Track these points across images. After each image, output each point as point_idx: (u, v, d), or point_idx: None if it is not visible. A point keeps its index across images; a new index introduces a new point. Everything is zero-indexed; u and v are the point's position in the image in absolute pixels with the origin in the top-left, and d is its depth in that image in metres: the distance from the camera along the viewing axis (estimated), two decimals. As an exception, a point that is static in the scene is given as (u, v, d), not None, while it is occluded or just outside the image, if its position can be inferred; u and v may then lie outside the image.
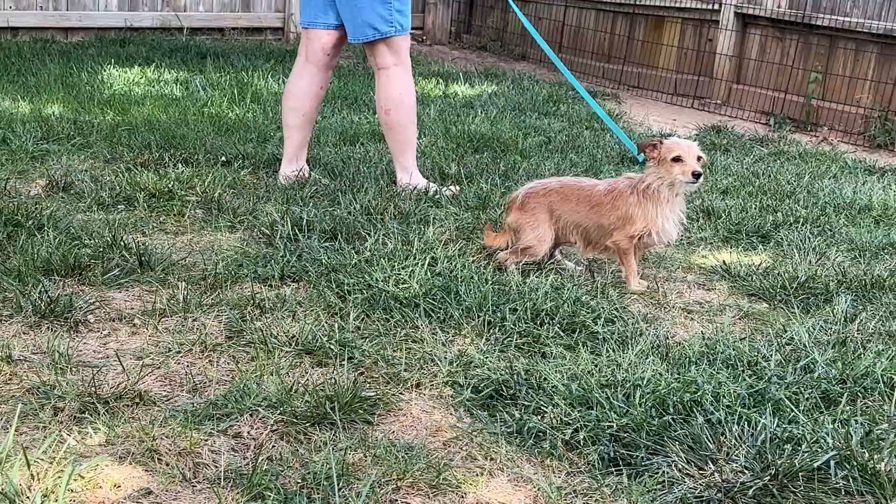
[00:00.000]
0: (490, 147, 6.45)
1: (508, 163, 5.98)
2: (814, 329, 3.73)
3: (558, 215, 4.25)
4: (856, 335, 3.66)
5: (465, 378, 3.19)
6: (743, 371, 3.27)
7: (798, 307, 4.03)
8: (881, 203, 5.62)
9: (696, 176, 4.06)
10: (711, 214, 5.23)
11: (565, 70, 5.03)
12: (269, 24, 11.33)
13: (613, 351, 3.39)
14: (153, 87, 7.84)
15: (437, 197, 5.12)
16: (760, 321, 3.90)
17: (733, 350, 3.41)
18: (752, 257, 4.66)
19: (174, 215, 4.71)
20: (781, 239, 4.88)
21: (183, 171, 5.28)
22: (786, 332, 3.69)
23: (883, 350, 3.49)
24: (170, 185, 5.00)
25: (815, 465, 2.71)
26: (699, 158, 4.13)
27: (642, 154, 4.20)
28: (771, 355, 3.40)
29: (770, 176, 6.24)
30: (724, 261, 4.51)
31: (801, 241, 4.84)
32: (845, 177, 6.47)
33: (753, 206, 5.37)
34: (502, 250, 4.29)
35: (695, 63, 9.71)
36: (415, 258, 4.04)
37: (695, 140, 7.32)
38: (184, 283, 3.82)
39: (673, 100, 9.56)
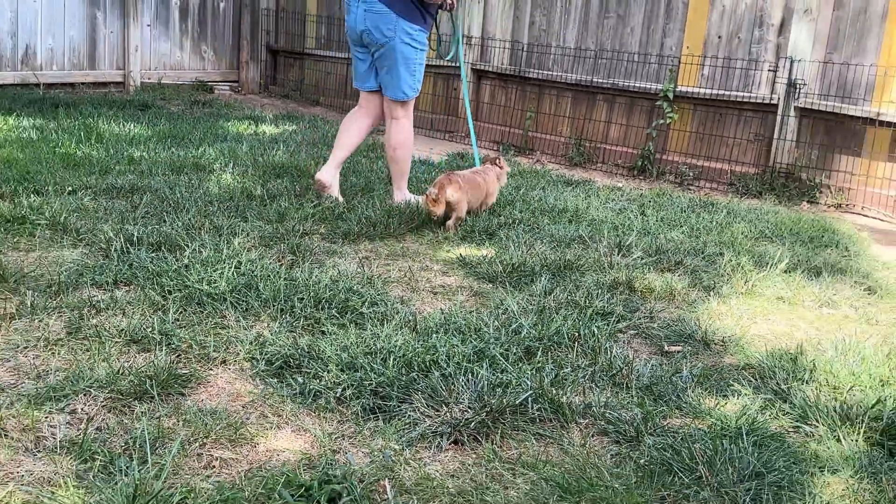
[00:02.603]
0: (289, 173, 6.36)
1: (303, 185, 5.91)
2: (522, 301, 3.87)
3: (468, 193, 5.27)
4: (551, 304, 3.82)
5: (261, 354, 3.13)
6: (470, 336, 3.35)
7: (512, 286, 4.18)
8: (573, 207, 5.89)
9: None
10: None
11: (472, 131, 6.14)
12: (111, 79, 10.74)
13: (375, 327, 3.41)
14: (13, 132, 7.29)
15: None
16: (485, 298, 4.02)
17: (464, 321, 3.50)
18: (482, 250, 4.79)
19: (26, 236, 4.40)
20: (503, 236, 5.03)
21: (34, 200, 4.94)
22: (502, 304, 3.82)
23: (569, 314, 3.66)
24: (23, 212, 4.67)
25: (518, 401, 2.82)
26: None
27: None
28: (491, 323, 3.51)
29: (502, 191, 6.43)
30: (461, 254, 4.62)
31: (516, 236, 5.01)
32: (550, 188, 6.75)
33: (484, 213, 5.51)
34: (447, 218, 5.15)
35: (444, 105, 9.89)
36: (224, 262, 3.94)
37: (444, 162, 7.59)
38: (31, 290, 3.58)
39: (430, 133, 9.70)
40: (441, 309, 3.74)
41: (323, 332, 3.38)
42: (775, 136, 7.30)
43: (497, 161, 5.70)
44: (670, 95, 7.82)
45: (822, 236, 5.54)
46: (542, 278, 4.19)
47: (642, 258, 4.73)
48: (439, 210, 5.14)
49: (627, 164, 8.16)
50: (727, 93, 7.58)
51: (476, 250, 4.82)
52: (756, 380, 3.22)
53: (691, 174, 7.68)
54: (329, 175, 5.59)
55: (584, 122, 8.61)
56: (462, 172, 5.38)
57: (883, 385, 3.15)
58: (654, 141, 8.03)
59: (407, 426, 2.71)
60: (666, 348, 3.53)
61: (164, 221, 4.71)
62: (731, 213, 6.12)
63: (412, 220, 5.24)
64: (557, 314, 3.66)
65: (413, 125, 5.79)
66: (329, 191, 5.58)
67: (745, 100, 7.46)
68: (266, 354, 3.12)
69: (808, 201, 6.96)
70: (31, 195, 5.11)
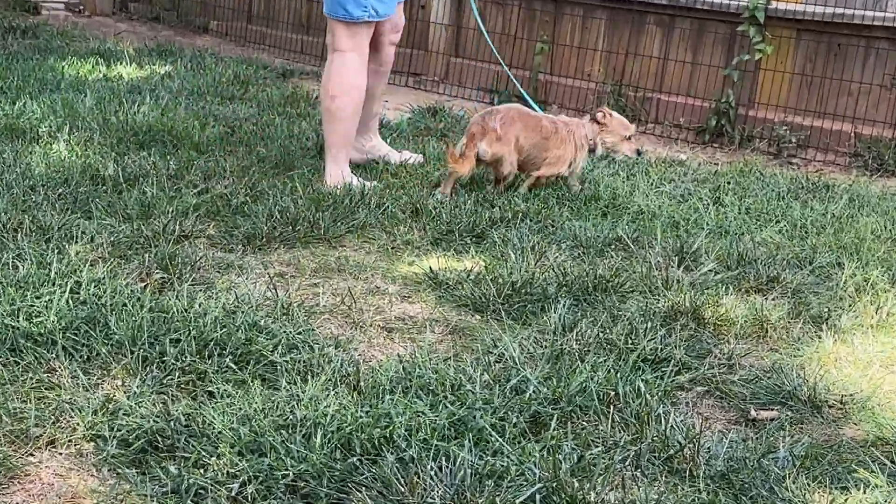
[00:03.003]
0: (160, 141, 6.34)
1: (181, 160, 5.89)
2: (527, 342, 3.88)
3: (521, 145, 5.71)
4: (573, 347, 3.82)
5: (112, 430, 3.10)
6: (444, 397, 3.35)
7: (512, 317, 4.18)
8: (609, 191, 5.91)
9: (640, 154, 6.32)
10: (419, 213, 5.34)
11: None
12: None
13: (294, 384, 3.40)
14: None
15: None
16: (469, 337, 4.02)
17: (434, 373, 3.49)
18: (465, 261, 4.80)
19: None
20: (498, 238, 5.04)
21: None
22: (496, 347, 3.82)
23: (600, 362, 3.67)
24: None
25: (519, 501, 2.81)
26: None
27: None
28: (477, 376, 3.51)
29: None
30: (431, 267, 4.62)
31: (519, 239, 5.01)
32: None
33: (468, 202, 5.52)
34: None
35: (407, 34, 9.89)
36: (53, 284, 3.91)
37: (406, 122, 7.61)
38: None
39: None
40: (399, 355, 3.73)
41: (211, 394, 3.35)
42: (923, 79, 7.37)
43: (600, 115, 6.03)
44: (760, 17, 7.88)
45: None
46: (560, 305, 4.20)
47: (716, 272, 4.74)
48: (463, 169, 5.59)
49: (694, 125, 8.22)
50: (850, 11, 7.64)
51: (456, 261, 4.81)
52: (893, 463, 3.22)
53: (794, 140, 7.74)
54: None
55: (626, 59, 8.66)
56: (513, 108, 5.88)
57: None
58: (735, 88, 8.09)
59: (343, 542, 2.70)
60: (753, 414, 3.54)
61: (-41, 218, 4.68)
62: (855, 200, 6.16)
63: (355, 212, 5.24)
64: (582, 362, 3.67)
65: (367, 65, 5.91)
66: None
67: (877, 22, 7.52)
68: (119, 430, 3.10)
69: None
70: None
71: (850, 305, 4.46)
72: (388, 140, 6.82)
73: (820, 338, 4.13)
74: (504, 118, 5.71)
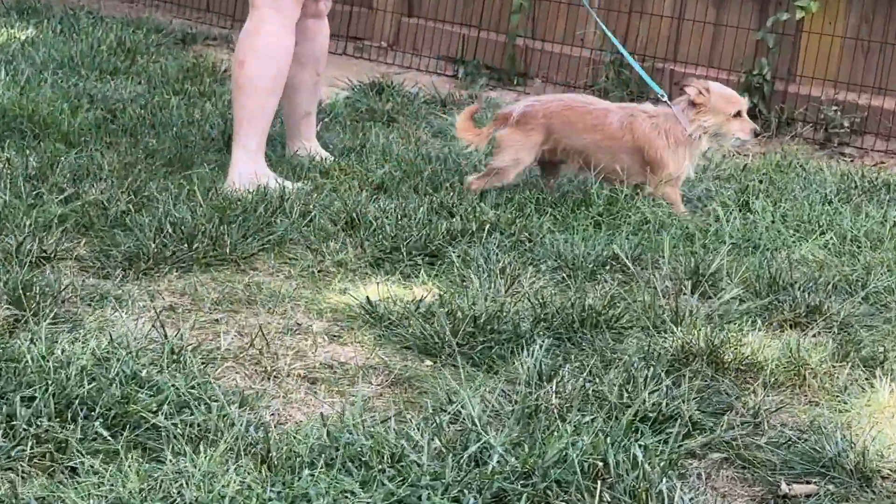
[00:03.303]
0: (16, 130, 6.31)
1: (44, 155, 5.86)
2: (492, 396, 3.86)
3: (557, 139, 5.89)
4: (552, 402, 3.81)
5: (-60, 519, 3.08)
6: (381, 472, 3.33)
7: (474, 363, 4.17)
8: (605, 195, 5.91)
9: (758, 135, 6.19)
10: (357, 225, 5.33)
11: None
12: None
13: (183, 455, 3.37)
14: None
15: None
16: (417, 389, 4.01)
17: (369, 440, 3.47)
18: (413, 288, 4.80)
19: None
20: (457, 257, 5.03)
21: None
22: (451, 403, 3.80)
23: (586, 422, 3.66)
24: None
25: None
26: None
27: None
28: (425, 443, 3.49)
29: (448, 159, 6.44)
30: (368, 297, 4.61)
31: (485, 258, 5.01)
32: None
33: (422, 210, 5.52)
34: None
35: (346, -13, 9.91)
36: None
37: (342, 102, 7.61)
38: None
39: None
40: (323, 415, 3.71)
41: (73, 471, 3.32)
42: None
43: (693, 91, 5.97)
44: (802, -38, 7.93)
45: None
46: (536, 347, 4.18)
47: (741, 300, 4.75)
48: (475, 140, 6.00)
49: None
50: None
51: (402, 288, 4.82)
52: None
53: (846, 123, 7.79)
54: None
55: (630, 19, 8.69)
56: (570, 98, 6.26)
57: None
58: (771, 57, 8.13)
59: None
60: (785, 489, 3.53)
61: None
62: (924, 203, 6.19)
63: (272, 224, 5.24)
64: (563, 422, 3.66)
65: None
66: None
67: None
68: (-49, 519, 3.07)
69: None
70: None
71: (913, 345, 4.48)
72: (320, 126, 6.83)
73: (873, 387, 4.14)
74: (541, 106, 5.96)
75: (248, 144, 5.85)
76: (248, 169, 5.76)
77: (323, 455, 3.42)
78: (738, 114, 5.95)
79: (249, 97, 5.87)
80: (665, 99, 6.09)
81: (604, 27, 6.63)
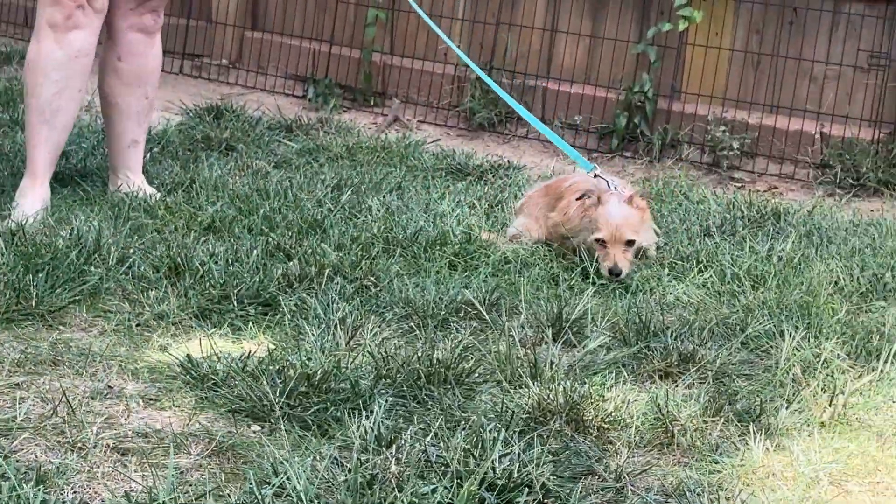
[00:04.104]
0: None
1: None
2: (324, 465, 3.86)
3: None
4: (391, 470, 3.82)
5: None
6: (192, 556, 3.33)
7: (306, 427, 4.16)
8: (465, 229, 5.95)
9: (615, 275, 5.67)
10: (181, 272, 5.32)
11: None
12: None
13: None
14: None
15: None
16: (241, 459, 3.99)
17: (179, 519, 3.47)
18: (242, 343, 4.79)
19: None
20: (294, 306, 5.04)
21: None
22: (277, 474, 3.80)
23: (424, 493, 3.67)
24: None
25: None
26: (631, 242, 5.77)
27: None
28: (244, 522, 3.49)
29: (287, 191, 6.45)
30: (190, 355, 4.59)
31: (324, 307, 5.02)
32: (418, 182, 6.83)
33: (256, 253, 5.51)
34: None
35: (181, -2, 9.88)
36: None
37: (177, 134, 7.57)
38: None
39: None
40: (129, 493, 3.69)
41: None
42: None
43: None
44: (685, -28, 8.04)
45: None
46: (376, 406, 4.19)
47: (608, 349, 4.80)
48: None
49: (596, 125, 8.33)
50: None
51: (230, 343, 4.82)
52: None
53: (735, 145, 7.90)
54: None
55: (498, 31, 8.74)
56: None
57: None
58: (653, 72, 8.23)
59: None
60: (647, 564, 3.57)
61: None
62: (813, 234, 6.29)
63: (85, 273, 5.21)
64: (401, 492, 3.67)
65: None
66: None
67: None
68: None
69: None
70: None
71: (792, 395, 4.54)
72: (147, 156, 6.81)
73: (747, 444, 4.19)
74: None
75: (34, 168, 5.97)
76: (32, 197, 5.79)
77: (128, 539, 3.41)
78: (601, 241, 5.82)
79: (31, 114, 5.97)
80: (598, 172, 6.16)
81: (465, 58, 6.64)
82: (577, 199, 5.91)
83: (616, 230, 5.75)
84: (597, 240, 5.75)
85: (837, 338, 4.97)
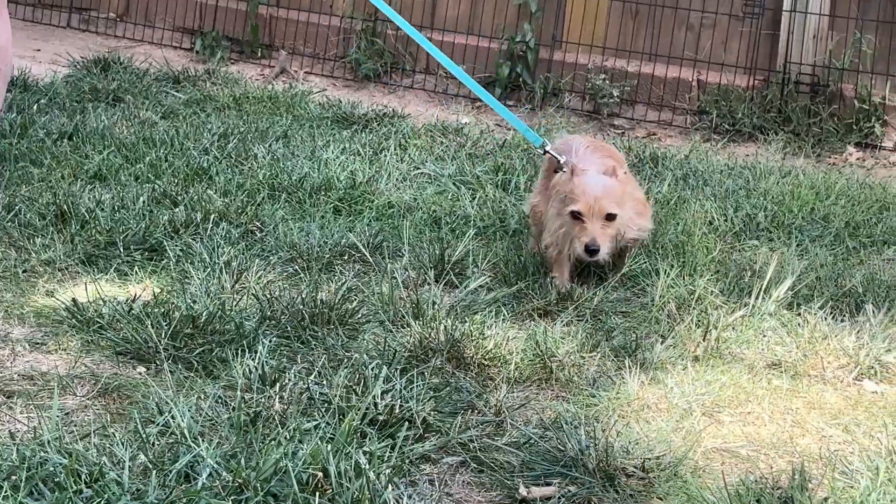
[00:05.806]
0: None
1: None
2: (208, 404, 3.85)
3: None
4: (274, 408, 3.82)
5: None
6: (77, 493, 3.29)
7: (191, 368, 4.16)
8: (350, 175, 5.95)
9: (591, 252, 4.87)
10: (68, 219, 5.27)
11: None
12: None
13: None
14: None
15: None
16: (127, 399, 3.98)
17: (66, 457, 3.43)
18: (129, 287, 4.77)
19: None
20: (180, 251, 5.02)
21: None
22: (162, 413, 3.78)
23: (307, 429, 3.67)
24: None
25: None
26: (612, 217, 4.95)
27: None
28: (128, 458, 3.46)
29: (173, 140, 6.42)
30: (76, 299, 4.57)
31: (209, 251, 5.00)
32: (304, 132, 6.81)
33: (142, 199, 5.48)
34: None
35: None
36: None
37: (64, 87, 7.49)
38: None
39: (35, 15, 9.54)
40: (13, 433, 3.66)
41: None
42: (786, 6, 7.61)
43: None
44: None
45: (880, 223, 5.87)
46: (260, 346, 4.19)
47: (489, 289, 4.84)
48: None
49: (480, 74, 8.31)
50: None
51: (116, 288, 4.82)
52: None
53: (615, 93, 7.92)
54: None
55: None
56: None
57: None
58: (534, 22, 8.23)
59: None
60: (522, 492, 3.58)
61: None
62: (689, 176, 6.34)
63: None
64: (284, 429, 3.66)
65: None
66: None
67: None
68: None
69: (855, 144, 7.31)
70: None
71: (667, 330, 4.59)
72: (35, 108, 6.74)
73: (623, 378, 4.24)
74: None
75: None
76: None
77: (12, 478, 3.37)
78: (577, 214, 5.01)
79: None
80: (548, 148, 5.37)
81: (392, 13, 6.23)
82: (544, 178, 5.43)
83: (595, 202, 4.96)
84: (572, 213, 4.97)
85: (711, 275, 5.03)
